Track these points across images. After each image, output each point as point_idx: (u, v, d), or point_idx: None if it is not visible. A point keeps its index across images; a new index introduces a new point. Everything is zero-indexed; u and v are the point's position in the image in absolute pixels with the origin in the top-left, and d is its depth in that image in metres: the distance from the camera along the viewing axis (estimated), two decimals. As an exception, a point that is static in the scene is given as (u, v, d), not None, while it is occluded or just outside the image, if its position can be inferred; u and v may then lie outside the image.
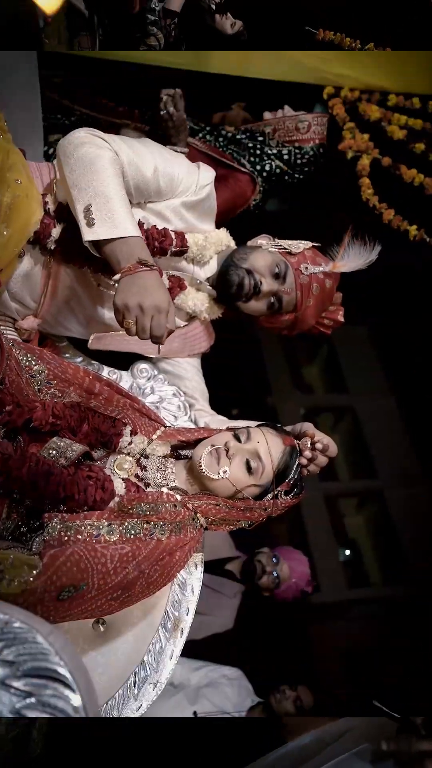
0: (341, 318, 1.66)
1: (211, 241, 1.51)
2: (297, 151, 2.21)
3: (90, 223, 1.13)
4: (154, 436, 1.21)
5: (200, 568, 1.24)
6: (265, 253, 1.50)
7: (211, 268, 1.56)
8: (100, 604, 0.97)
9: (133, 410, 1.21)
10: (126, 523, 1.03)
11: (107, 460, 1.15)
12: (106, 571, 0.94)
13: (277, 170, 2.18)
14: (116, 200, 1.15)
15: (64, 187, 1.23)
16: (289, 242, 1.53)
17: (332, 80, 2.25)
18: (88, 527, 0.98)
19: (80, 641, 1.07)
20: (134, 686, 1.08)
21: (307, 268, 1.49)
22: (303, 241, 1.54)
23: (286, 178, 2.22)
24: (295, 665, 2.80)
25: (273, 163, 2.17)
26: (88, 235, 1.13)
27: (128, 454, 1.18)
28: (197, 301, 1.52)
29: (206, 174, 1.45)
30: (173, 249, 1.41)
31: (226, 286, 1.49)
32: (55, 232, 1.29)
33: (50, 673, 0.55)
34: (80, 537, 0.96)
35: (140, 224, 1.31)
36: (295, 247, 1.51)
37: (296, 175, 2.23)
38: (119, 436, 1.16)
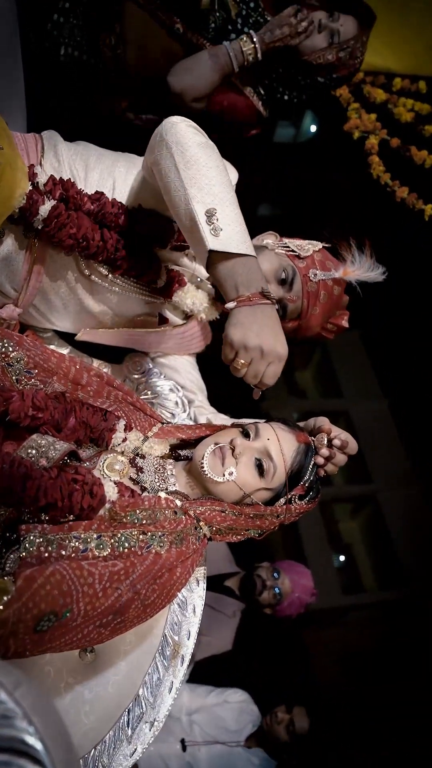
0: (345, 323, 1.50)
1: None
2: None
3: (215, 231, 0.96)
4: (150, 433, 1.06)
5: (202, 585, 1.08)
6: (272, 255, 1.36)
7: None
8: (87, 633, 0.80)
9: (126, 404, 1.06)
10: (119, 535, 0.87)
11: (97, 461, 0.99)
12: (94, 594, 0.78)
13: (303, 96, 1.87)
14: (238, 212, 1.01)
15: (159, 174, 1.06)
16: (298, 242, 1.40)
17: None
18: (74, 540, 0.82)
19: (64, 674, 0.91)
20: (127, 726, 0.91)
21: (315, 274, 1.35)
22: (312, 242, 1.40)
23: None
24: (293, 678, 2.67)
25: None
26: (214, 243, 0.96)
27: (121, 453, 1.03)
28: (196, 299, 1.39)
29: (231, 175, 1.33)
30: (174, 242, 1.28)
31: None
32: (44, 209, 1.13)
33: (15, 744, 0.41)
34: (64, 553, 0.80)
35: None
36: (304, 250, 1.37)
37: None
38: (112, 432, 1.01)
